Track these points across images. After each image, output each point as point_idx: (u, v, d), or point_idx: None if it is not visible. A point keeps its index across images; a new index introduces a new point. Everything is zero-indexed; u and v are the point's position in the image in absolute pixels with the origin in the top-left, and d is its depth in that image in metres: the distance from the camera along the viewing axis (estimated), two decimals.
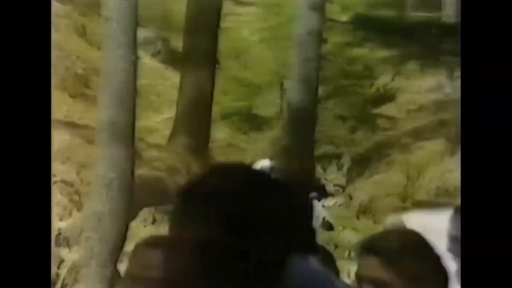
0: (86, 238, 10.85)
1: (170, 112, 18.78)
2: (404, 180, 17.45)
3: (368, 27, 22.65)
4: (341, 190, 18.92)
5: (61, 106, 16.18)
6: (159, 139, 17.45)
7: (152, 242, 2.95)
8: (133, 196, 11.07)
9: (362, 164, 19.51)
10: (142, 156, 14.48)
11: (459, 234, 2.03)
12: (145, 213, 13.28)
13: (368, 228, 14.94)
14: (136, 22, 10.66)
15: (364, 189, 17.92)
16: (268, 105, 22.35)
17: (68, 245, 12.46)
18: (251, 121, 21.88)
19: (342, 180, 19.44)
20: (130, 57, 10.53)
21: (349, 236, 15.80)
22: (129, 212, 11.09)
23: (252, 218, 1.61)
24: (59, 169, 12.78)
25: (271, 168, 14.28)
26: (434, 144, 18.10)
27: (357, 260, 2.16)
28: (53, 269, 11.59)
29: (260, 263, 1.58)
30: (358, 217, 17.14)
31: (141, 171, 13.62)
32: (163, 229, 12.09)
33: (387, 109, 21.28)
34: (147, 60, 20.64)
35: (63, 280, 11.76)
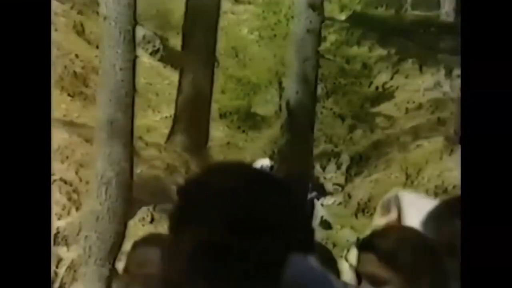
0: (84, 237, 10.85)
1: (168, 111, 18.78)
2: (403, 178, 17.46)
3: (366, 25, 22.64)
4: (340, 189, 18.93)
5: (59, 105, 16.18)
6: (158, 138, 17.44)
7: (149, 240, 2.96)
8: (132, 195, 11.06)
9: (361, 162, 19.53)
10: (141, 155, 14.48)
11: (438, 214, 2.02)
12: (144, 212, 13.27)
13: (366, 227, 14.93)
14: (134, 21, 10.65)
15: (363, 187, 17.93)
16: (267, 104, 22.36)
17: (67, 244, 12.45)
18: (249, 120, 21.88)
19: (341, 179, 19.45)
20: (128, 56, 10.52)
21: (347, 234, 15.81)
22: (128, 211, 11.09)
23: (252, 217, 1.61)
24: (58, 168, 12.78)
25: (271, 167, 14.27)
26: (433, 143, 18.11)
27: (356, 257, 2.16)
28: (52, 268, 11.59)
29: (259, 262, 1.58)
30: (356, 216, 17.15)
31: (139, 170, 13.62)
32: (161, 228, 12.10)
33: (385, 107, 21.29)
34: (145, 59, 20.63)
35: (62, 279, 11.76)
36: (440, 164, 17.18)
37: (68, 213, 12.95)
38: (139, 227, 12.65)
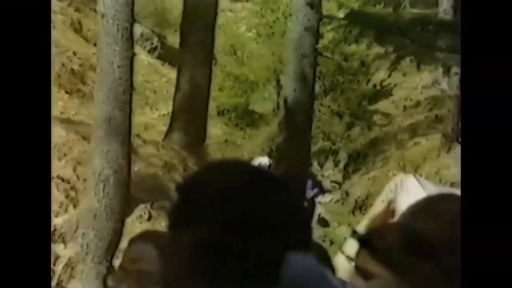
0: (82, 234, 10.85)
1: (166, 109, 18.79)
2: None
3: (364, 23, 22.64)
4: (337, 186, 18.94)
5: (57, 102, 16.17)
6: (156, 135, 17.44)
7: (144, 237, 2.97)
8: (129, 193, 11.07)
9: (358, 160, 19.54)
10: (138, 152, 14.48)
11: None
12: (141, 209, 13.26)
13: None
14: (132, 18, 10.64)
15: (361, 185, 17.95)
16: (265, 101, 22.37)
17: (64, 241, 12.44)
18: (247, 117, 21.89)
19: (338, 176, 19.47)
20: (126, 53, 10.52)
21: (345, 232, 15.82)
22: (125, 208, 11.09)
23: (251, 215, 1.60)
24: (55, 166, 12.76)
25: (269, 166, 14.27)
26: (431, 140, 18.12)
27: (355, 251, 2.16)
28: None
29: (258, 260, 1.58)
30: (353, 213, 17.16)
31: (137, 167, 13.62)
32: (159, 225, 12.10)
33: (383, 105, 21.31)
34: (143, 57, 20.62)
35: (59, 277, 11.75)
36: (437, 162, 17.20)
37: (66, 211, 12.95)
38: (136, 224, 12.64)
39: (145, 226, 12.59)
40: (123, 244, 9.91)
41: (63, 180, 13.20)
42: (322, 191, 16.64)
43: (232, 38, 23.17)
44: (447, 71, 17.93)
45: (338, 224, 16.59)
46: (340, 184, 19.06)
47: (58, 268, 11.82)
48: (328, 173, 19.65)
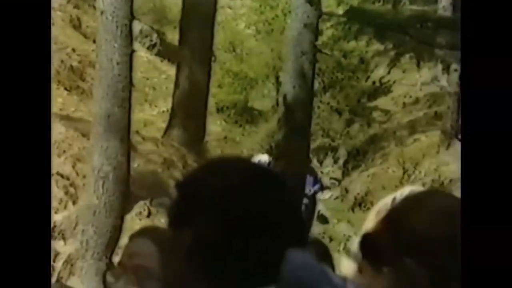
0: (81, 231, 10.85)
1: (165, 105, 18.77)
2: (399, 173, 17.47)
3: (364, 20, 22.62)
4: (337, 183, 18.95)
5: (56, 99, 16.16)
6: (155, 132, 17.44)
7: (142, 233, 2.97)
8: (129, 189, 11.06)
9: (358, 157, 19.55)
10: (138, 149, 14.47)
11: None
12: (141, 206, 13.26)
13: (363, 221, 14.93)
14: (131, 15, 10.63)
15: (360, 182, 17.95)
16: (264, 98, 22.36)
17: (64, 238, 12.45)
18: (247, 114, 21.88)
19: (338, 173, 19.48)
20: (125, 50, 10.51)
21: (344, 229, 15.83)
22: (125, 205, 11.09)
23: (251, 213, 1.61)
24: (54, 162, 12.76)
25: (269, 163, 14.25)
26: (430, 137, 18.12)
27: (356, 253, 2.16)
28: None
29: (257, 259, 1.58)
30: (353, 210, 17.17)
31: (136, 164, 13.62)
32: (158, 222, 12.10)
33: (382, 102, 21.31)
34: (142, 53, 20.61)
35: (59, 273, 11.75)
36: (437, 158, 17.20)
37: (65, 207, 12.95)
38: (136, 221, 12.65)
39: (144, 222, 12.59)
40: (123, 240, 9.91)
41: (62, 176, 13.20)
42: (322, 187, 16.64)
43: (231, 35, 23.15)
44: (446, 68, 17.93)
45: (337, 221, 16.60)
46: (339, 181, 19.06)
47: (58, 265, 11.82)
48: (328, 170, 19.66)
